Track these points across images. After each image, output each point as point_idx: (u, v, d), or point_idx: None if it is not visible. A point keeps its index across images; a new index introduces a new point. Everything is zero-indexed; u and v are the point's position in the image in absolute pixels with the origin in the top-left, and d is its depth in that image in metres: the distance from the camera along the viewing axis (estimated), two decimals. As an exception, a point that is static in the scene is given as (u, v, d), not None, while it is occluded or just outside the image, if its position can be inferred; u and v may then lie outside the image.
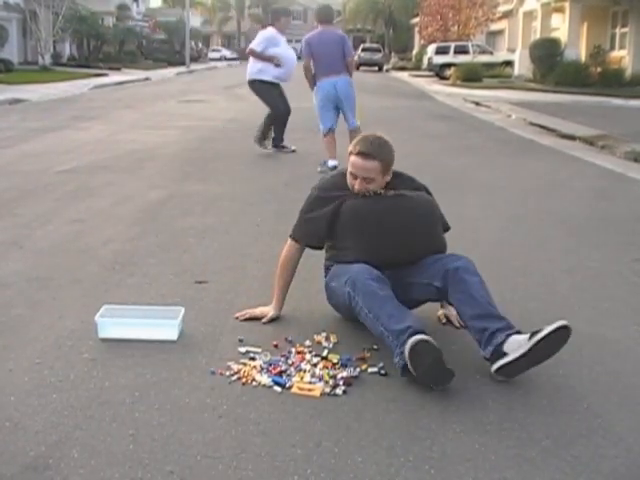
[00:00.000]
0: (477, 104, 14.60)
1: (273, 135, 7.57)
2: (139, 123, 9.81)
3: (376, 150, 2.67)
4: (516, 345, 2.28)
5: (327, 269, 2.87)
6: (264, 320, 2.81)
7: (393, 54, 43.24)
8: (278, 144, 7.57)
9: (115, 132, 9.16)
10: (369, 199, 2.69)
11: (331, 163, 6.47)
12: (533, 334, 2.27)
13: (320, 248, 2.88)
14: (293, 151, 7.54)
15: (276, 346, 2.59)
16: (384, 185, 2.74)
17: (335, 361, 2.45)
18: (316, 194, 2.82)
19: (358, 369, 2.40)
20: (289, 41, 7.83)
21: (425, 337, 2.23)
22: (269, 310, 2.84)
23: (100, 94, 16.98)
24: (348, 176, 2.74)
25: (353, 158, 2.70)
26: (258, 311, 2.86)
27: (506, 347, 2.30)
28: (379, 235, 2.61)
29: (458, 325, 2.72)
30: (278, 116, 7.46)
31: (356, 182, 2.70)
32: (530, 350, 2.25)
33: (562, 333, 2.26)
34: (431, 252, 2.67)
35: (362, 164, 2.66)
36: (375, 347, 2.54)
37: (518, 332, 2.34)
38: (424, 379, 2.25)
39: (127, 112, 12.32)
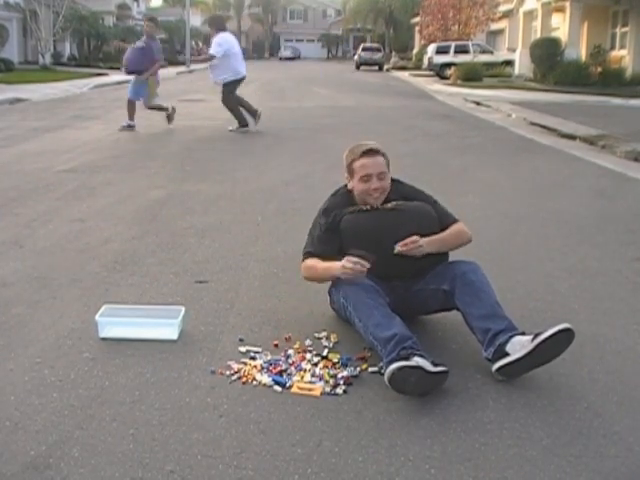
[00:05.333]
0: (477, 104, 14.58)
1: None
2: (139, 122, 9.78)
3: (375, 147, 2.75)
4: (519, 346, 2.28)
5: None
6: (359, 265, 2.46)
7: (393, 53, 43.18)
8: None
9: (115, 132, 9.15)
10: (368, 214, 2.68)
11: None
12: (536, 336, 2.27)
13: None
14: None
15: (276, 345, 2.59)
16: (389, 188, 2.75)
17: (335, 360, 2.46)
18: (322, 219, 2.77)
19: (358, 368, 2.40)
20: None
21: (401, 364, 2.14)
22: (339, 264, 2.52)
23: (100, 94, 16.97)
24: (359, 185, 2.72)
25: (360, 162, 2.70)
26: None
27: (508, 347, 2.31)
28: (379, 250, 2.58)
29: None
30: None
31: (372, 184, 2.69)
32: (532, 351, 2.25)
33: (565, 336, 2.26)
34: (433, 263, 2.67)
35: (372, 161, 2.70)
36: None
37: (522, 333, 2.34)
38: (414, 395, 2.22)
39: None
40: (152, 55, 9.07)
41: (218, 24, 9.26)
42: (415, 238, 2.57)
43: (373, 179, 2.69)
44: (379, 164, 2.71)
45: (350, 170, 2.75)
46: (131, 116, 9.35)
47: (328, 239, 2.71)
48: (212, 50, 8.89)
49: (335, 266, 2.55)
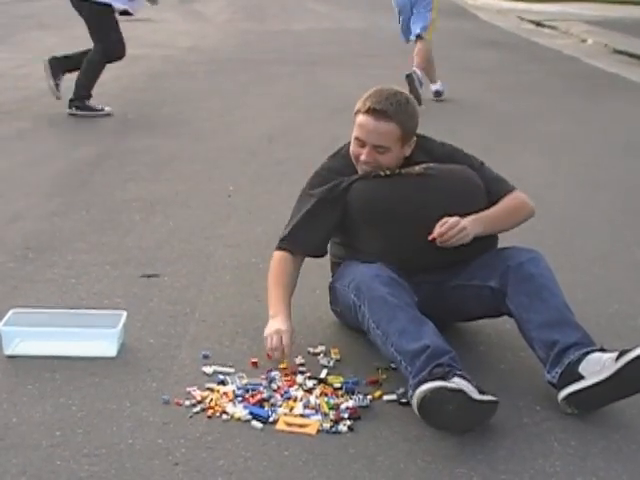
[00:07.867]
0: (538, 24, 14.57)
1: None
2: (59, 50, 9.72)
3: (394, 108, 2.64)
4: (597, 366, 2.28)
5: (335, 265, 2.86)
6: (285, 344, 2.54)
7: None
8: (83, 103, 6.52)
9: (24, 63, 9.07)
10: (385, 180, 2.68)
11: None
12: (622, 353, 2.26)
13: (322, 256, 2.83)
14: (107, 114, 6.54)
15: (255, 364, 2.60)
16: (402, 160, 2.73)
17: (338, 385, 2.46)
18: (315, 183, 2.79)
19: (369, 397, 2.41)
20: None
21: (437, 384, 2.15)
22: (279, 326, 2.59)
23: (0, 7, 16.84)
24: (353, 145, 2.72)
25: (361, 117, 2.68)
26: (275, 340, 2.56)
27: (582, 368, 2.30)
28: (401, 230, 2.60)
29: None
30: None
31: (363, 152, 2.68)
32: (617, 375, 2.24)
33: None
34: (475, 249, 2.67)
35: (373, 125, 2.64)
36: (393, 365, 2.53)
37: (602, 350, 2.34)
38: (450, 430, 2.24)
39: (42, 35, 12.21)
40: None
41: None
42: (454, 220, 2.53)
43: (366, 148, 2.68)
44: (380, 133, 2.64)
45: (354, 121, 2.74)
46: None
47: (320, 216, 2.71)
48: None
49: (276, 319, 2.60)
